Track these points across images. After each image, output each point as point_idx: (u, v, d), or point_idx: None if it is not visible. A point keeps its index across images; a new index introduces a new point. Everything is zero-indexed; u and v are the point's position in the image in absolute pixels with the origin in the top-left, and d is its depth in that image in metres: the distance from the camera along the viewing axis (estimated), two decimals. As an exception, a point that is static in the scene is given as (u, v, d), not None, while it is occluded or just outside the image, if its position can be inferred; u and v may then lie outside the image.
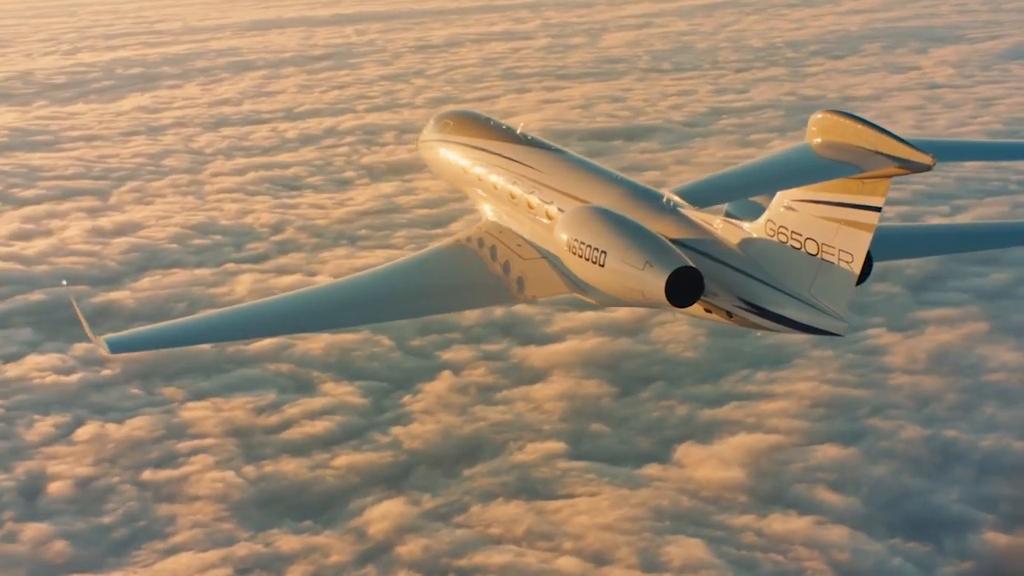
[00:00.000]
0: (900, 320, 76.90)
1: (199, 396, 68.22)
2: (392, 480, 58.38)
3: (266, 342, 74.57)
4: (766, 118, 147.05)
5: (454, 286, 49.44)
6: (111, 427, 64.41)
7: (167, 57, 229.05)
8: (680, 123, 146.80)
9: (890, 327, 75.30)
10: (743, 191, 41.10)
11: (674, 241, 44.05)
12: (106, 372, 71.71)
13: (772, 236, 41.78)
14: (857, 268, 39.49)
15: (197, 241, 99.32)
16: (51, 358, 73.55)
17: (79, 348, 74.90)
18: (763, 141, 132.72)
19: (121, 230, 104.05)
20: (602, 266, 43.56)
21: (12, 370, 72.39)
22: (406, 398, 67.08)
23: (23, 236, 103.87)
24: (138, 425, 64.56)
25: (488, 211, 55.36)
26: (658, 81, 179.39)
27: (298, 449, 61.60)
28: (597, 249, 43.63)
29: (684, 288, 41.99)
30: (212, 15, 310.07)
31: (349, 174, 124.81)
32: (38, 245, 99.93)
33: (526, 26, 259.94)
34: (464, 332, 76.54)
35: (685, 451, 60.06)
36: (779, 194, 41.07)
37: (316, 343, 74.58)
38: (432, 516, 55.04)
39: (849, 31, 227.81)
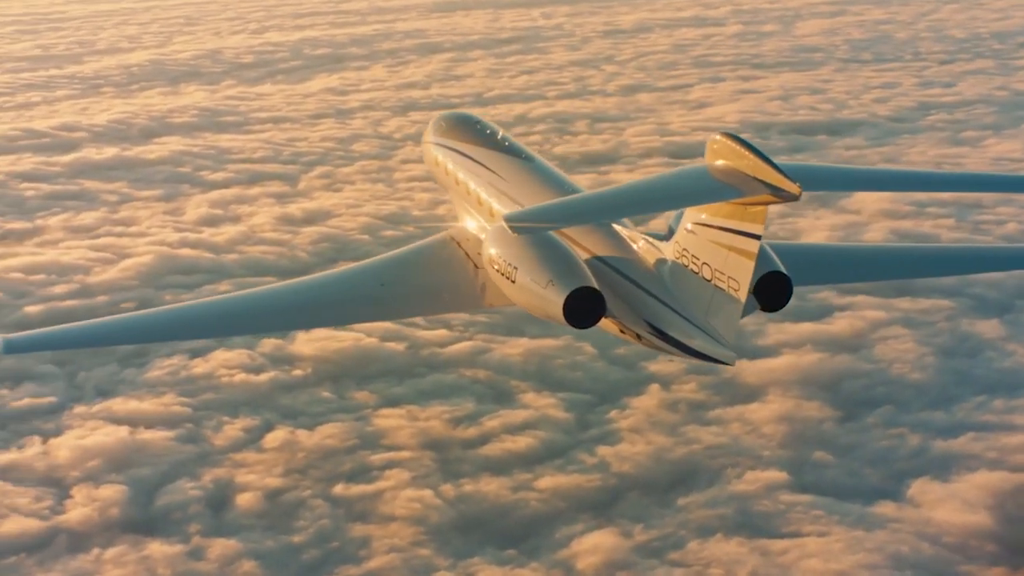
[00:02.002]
0: None
1: (393, 402, 64.53)
2: (600, 507, 53.94)
3: (463, 346, 71.00)
4: (978, 114, 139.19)
5: (420, 288, 49.67)
6: (302, 434, 61.07)
7: (354, 38, 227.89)
8: (886, 118, 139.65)
9: None
10: (636, 208, 42.37)
11: (597, 258, 45.20)
12: (296, 372, 68.53)
13: (678, 258, 41.86)
14: (743, 296, 39.32)
15: (389, 232, 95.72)
16: (239, 355, 70.49)
17: (267, 344, 71.98)
18: (976, 139, 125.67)
19: (311, 218, 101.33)
20: (513, 282, 43.82)
21: (200, 366, 69.48)
22: (612, 413, 62.52)
23: (212, 222, 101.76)
24: (330, 433, 61.10)
25: (463, 216, 56.38)
26: (859, 72, 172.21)
27: (499, 467, 57.43)
28: (511, 264, 43.80)
29: (584, 309, 42.03)
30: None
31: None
32: (227, 232, 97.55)
33: (716, 12, 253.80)
34: (670, 341, 71.90)
35: (921, 488, 54.47)
36: (685, 214, 41.08)
37: (515, 348, 70.61)
38: (645, 551, 50.41)
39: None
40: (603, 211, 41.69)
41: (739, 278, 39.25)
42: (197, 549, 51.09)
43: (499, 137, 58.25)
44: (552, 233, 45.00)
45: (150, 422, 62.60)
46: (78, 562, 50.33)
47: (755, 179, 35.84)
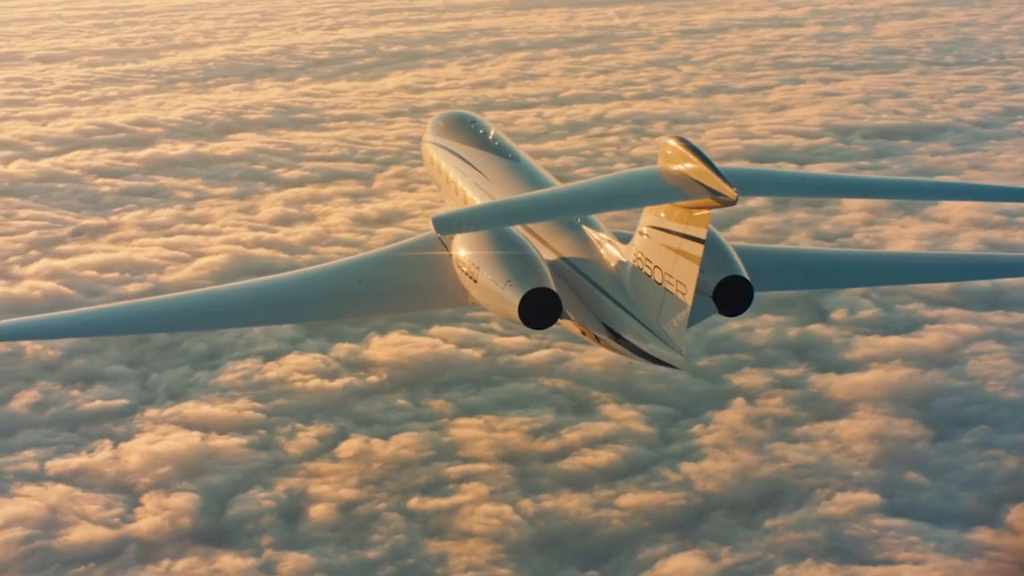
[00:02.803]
0: None
1: (470, 412, 62.85)
2: (685, 527, 51.96)
3: (542, 354, 69.24)
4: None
5: (399, 286, 48.81)
6: (377, 443, 59.50)
7: (429, 35, 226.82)
8: (971, 123, 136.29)
9: None
10: (581, 208, 42.75)
11: (563, 260, 45.49)
12: (371, 379, 67.04)
13: (635, 261, 42.05)
14: (689, 300, 39.36)
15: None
16: (313, 359, 69.18)
17: (342, 348, 70.65)
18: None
19: (386, 218, 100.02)
20: (476, 281, 43.96)
21: (273, 370, 68.17)
22: (696, 428, 60.48)
23: (286, 221, 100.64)
24: (405, 443, 59.49)
25: None
26: (942, 75, 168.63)
27: (579, 482, 55.57)
28: (474, 264, 43.95)
29: (539, 310, 41.96)
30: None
31: (620, 166, 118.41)
32: (301, 232, 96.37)
33: (794, 12, 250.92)
34: (754, 353, 69.78)
35: (1020, 514, 51.99)
36: (641, 217, 41.11)
37: (594, 358, 68.60)
38: (732, 575, 48.64)
39: None
40: (539, 211, 41.67)
41: (686, 282, 39.34)
42: (269, 563, 49.67)
43: (490, 137, 58.20)
44: (519, 234, 45.35)
45: (222, 428, 61.36)
46: (147, 574, 49.10)
47: (697, 183, 36.00)
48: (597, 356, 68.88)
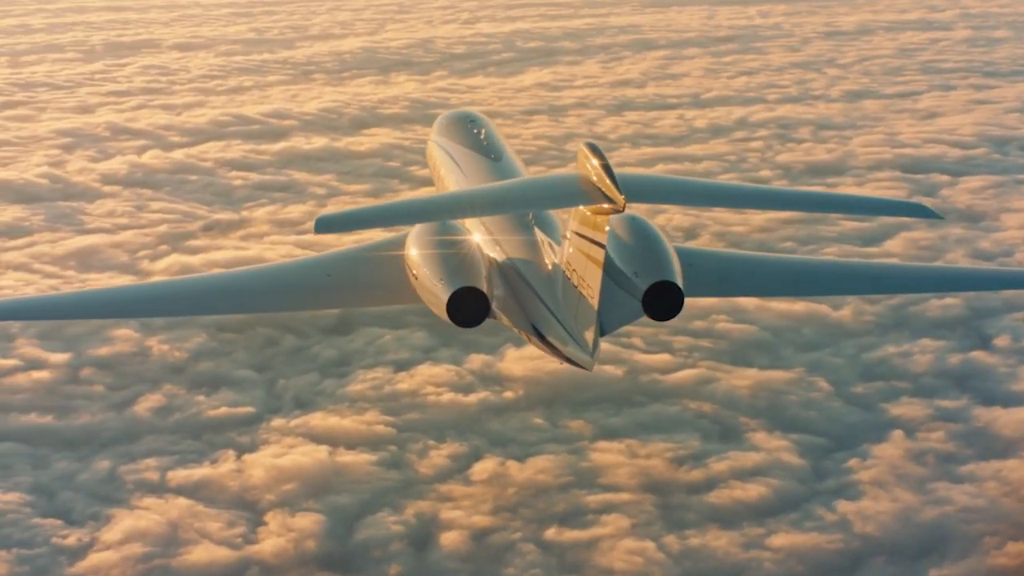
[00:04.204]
0: None
1: (610, 434, 59.44)
2: (842, 573, 48.24)
3: (686, 374, 65.74)
4: None
5: (366, 281, 48.70)
6: (512, 465, 56.35)
7: (567, 31, 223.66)
8: None
9: None
10: (495, 207, 43.03)
11: (509, 260, 45.78)
12: (507, 395, 63.97)
13: (563, 264, 42.59)
14: (595, 304, 39.93)
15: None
16: (447, 371, 66.21)
17: (476, 360, 67.63)
18: None
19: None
20: (416, 278, 44.20)
21: (404, 382, 65.34)
22: (852, 462, 56.42)
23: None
24: (542, 466, 56.26)
25: None
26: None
27: (727, 518, 51.89)
28: (417, 263, 44.23)
29: (465, 309, 42.00)
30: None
31: (765, 173, 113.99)
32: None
33: (943, 15, 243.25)
34: (913, 381, 65.53)
35: None
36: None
37: (742, 380, 65.04)
38: (895, 629, 44.81)
39: None
40: (430, 212, 43.54)
41: (594, 285, 39.89)
42: (397, 594, 46.88)
43: (481, 136, 58.39)
44: (467, 233, 45.88)
45: (351, 442, 58.67)
46: (285, 601, 46.59)
47: (597, 188, 36.43)
48: (745, 379, 65.49)
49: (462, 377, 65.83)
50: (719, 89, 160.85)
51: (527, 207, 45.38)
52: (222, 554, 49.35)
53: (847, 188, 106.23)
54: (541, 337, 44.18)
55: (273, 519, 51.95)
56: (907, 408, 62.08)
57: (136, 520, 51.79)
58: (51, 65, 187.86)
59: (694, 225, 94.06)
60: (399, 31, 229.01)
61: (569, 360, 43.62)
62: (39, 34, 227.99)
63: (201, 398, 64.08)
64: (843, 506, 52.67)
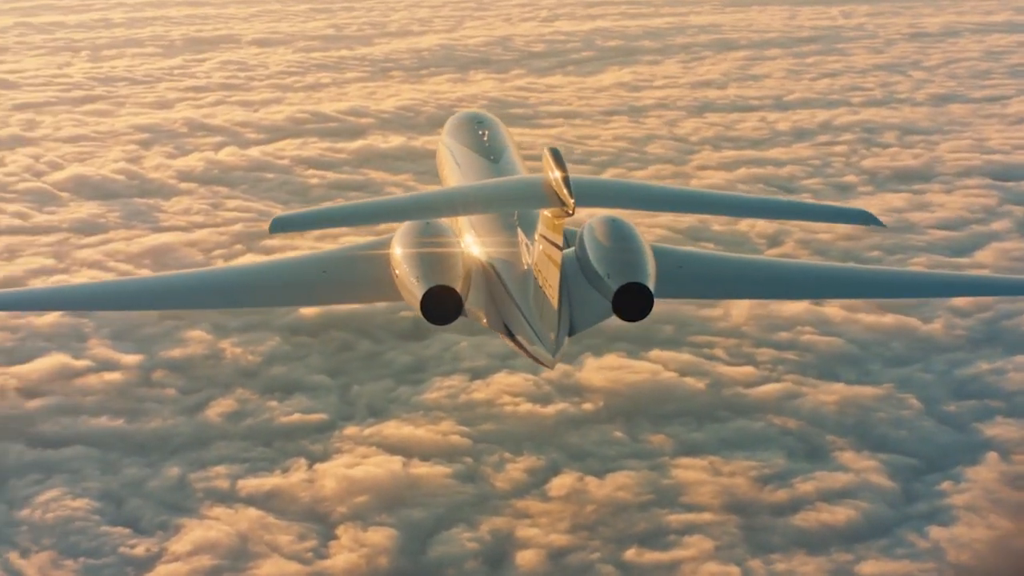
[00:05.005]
0: None
1: (692, 450, 57.63)
2: (936, 606, 46.31)
3: (771, 388, 63.82)
4: None
5: (362, 278, 48.45)
6: (591, 481, 54.67)
7: (647, 30, 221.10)
8: None
9: None
10: (463, 209, 44.17)
11: (491, 260, 46.07)
12: (586, 406, 62.30)
13: (533, 265, 43.44)
14: (555, 304, 41.44)
15: (686, 247, 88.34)
16: (523, 380, 64.50)
17: (555, 369, 65.83)
18: None
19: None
20: (398, 276, 44.28)
21: (481, 390, 63.84)
22: (944, 484, 54.23)
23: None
24: (622, 483, 54.51)
25: None
26: None
27: (815, 543, 49.92)
28: (398, 261, 44.29)
29: (439, 307, 42.08)
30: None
31: (850, 178, 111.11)
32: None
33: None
34: (1007, 400, 63.07)
35: None
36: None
37: (829, 395, 62.98)
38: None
39: None
40: (381, 214, 45.39)
41: (553, 285, 41.21)
42: (472, 617, 45.36)
43: (484, 138, 58.84)
44: (450, 232, 45.84)
45: (426, 453, 57.26)
46: (341, 620, 45.19)
47: (554, 191, 37.42)
48: (831, 394, 63.45)
49: (540, 387, 64.20)
50: (801, 91, 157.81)
51: (489, 209, 46.36)
52: (292, 569, 48.15)
53: (935, 196, 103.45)
54: (511, 336, 44.91)
55: (345, 533, 50.67)
56: (1002, 429, 59.78)
57: (206, 531, 50.73)
58: (130, 60, 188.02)
59: (777, 232, 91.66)
60: (477, 28, 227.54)
61: (534, 358, 44.52)
62: (119, 28, 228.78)
63: (274, 403, 62.92)
64: (936, 532, 50.60)
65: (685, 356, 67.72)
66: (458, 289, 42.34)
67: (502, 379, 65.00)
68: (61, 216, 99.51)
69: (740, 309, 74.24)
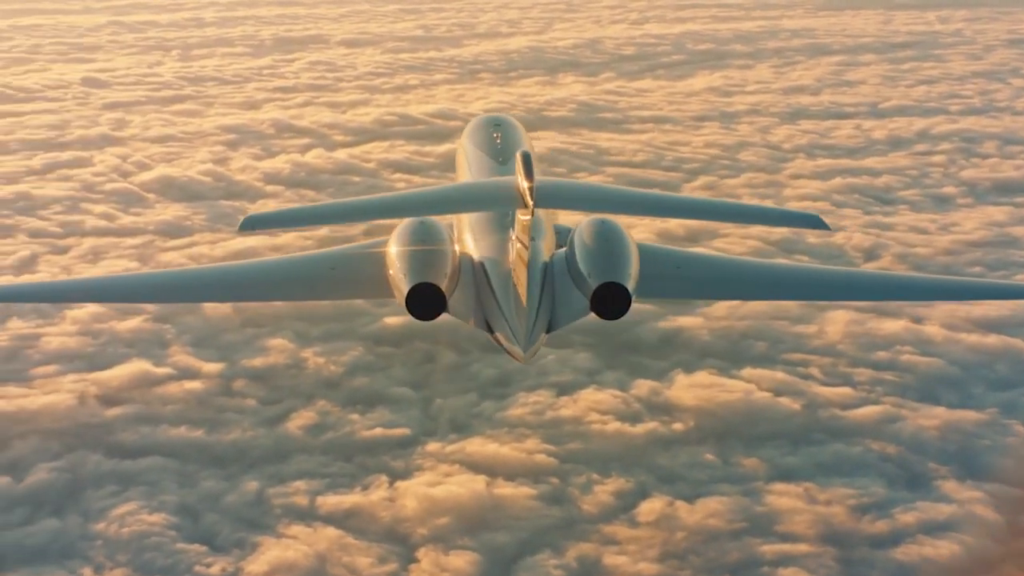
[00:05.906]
0: None
1: (787, 475, 55.43)
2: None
3: (869, 411, 61.40)
4: None
5: (369, 275, 46.63)
6: (682, 506, 52.68)
7: (738, 33, 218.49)
8: None
9: None
10: (434, 208, 43.81)
11: (481, 258, 45.08)
12: (676, 426, 60.25)
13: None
14: (523, 300, 41.47)
15: (781, 260, 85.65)
16: (613, 396, 62.72)
17: (643, 386, 64.11)
18: None
19: (693, 236, 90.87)
20: (390, 274, 43.71)
21: (567, 407, 62.03)
22: (1053, 518, 51.94)
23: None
24: (713, 509, 52.48)
25: None
26: None
27: (919, 580, 47.90)
28: (391, 258, 43.60)
29: (423, 303, 41.65)
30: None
31: (949, 190, 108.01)
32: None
33: None
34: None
35: None
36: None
37: (930, 420, 60.52)
38: None
39: None
40: (349, 213, 45.26)
41: (522, 282, 41.47)
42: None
43: (496, 140, 57.56)
44: (443, 231, 44.59)
45: (510, 472, 55.54)
46: (420, 650, 43.59)
47: (518, 191, 38.13)
48: (932, 418, 60.99)
49: (628, 404, 62.31)
50: (898, 98, 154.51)
51: (462, 209, 46.48)
52: (371, 593, 46.66)
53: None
54: (490, 331, 44.15)
55: (426, 556, 49.11)
56: (1113, 459, 57.13)
57: (283, 550, 49.43)
58: (220, 59, 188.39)
59: (875, 245, 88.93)
60: (567, 30, 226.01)
61: (510, 354, 43.67)
62: (210, 27, 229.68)
63: (355, 416, 61.49)
64: (1045, 571, 48.16)
65: (779, 374, 65.54)
66: (443, 287, 41.88)
67: (589, 395, 63.19)
68: (147, 218, 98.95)
69: (836, 326, 71.89)
